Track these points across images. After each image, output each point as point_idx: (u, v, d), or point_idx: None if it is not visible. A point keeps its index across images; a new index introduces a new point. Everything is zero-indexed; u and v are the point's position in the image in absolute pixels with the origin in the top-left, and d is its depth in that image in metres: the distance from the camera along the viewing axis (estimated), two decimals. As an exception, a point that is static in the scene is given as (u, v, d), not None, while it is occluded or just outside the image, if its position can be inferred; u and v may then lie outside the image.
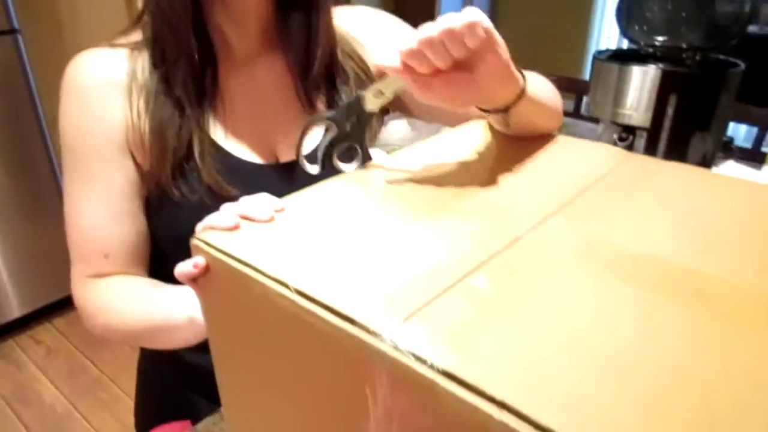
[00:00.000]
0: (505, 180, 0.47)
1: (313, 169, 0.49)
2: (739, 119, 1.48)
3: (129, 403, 0.96)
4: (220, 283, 0.39)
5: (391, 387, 0.29)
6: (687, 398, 0.25)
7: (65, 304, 2.03)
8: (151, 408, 0.82)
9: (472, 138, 0.58)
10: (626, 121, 0.98)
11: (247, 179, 0.64)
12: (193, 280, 0.40)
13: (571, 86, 1.79)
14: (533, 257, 0.36)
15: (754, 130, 1.49)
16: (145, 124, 0.61)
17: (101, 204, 0.63)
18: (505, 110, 0.51)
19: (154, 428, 0.78)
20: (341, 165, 0.50)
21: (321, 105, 0.70)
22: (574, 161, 0.51)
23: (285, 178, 0.67)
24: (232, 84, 0.67)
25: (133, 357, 0.85)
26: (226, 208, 0.42)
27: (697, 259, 0.36)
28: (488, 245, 0.37)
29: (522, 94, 0.50)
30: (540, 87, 0.57)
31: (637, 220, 0.41)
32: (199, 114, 0.63)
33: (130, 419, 0.85)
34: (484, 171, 0.49)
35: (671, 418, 0.24)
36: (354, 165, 0.50)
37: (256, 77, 0.68)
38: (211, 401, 0.70)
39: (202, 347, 0.51)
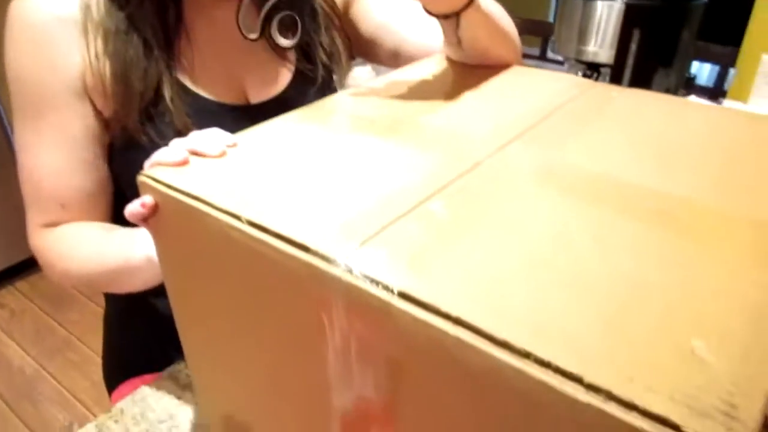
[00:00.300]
0: (465, 109, 0.46)
1: (252, 35, 0.49)
2: (702, 58, 1.48)
3: (99, 362, 0.95)
4: (170, 221, 0.37)
5: (347, 312, 0.28)
6: (647, 311, 0.25)
7: (27, 267, 1.99)
8: (120, 362, 0.81)
9: (431, 71, 0.56)
10: (590, 58, 0.97)
11: (218, 121, 0.61)
12: (144, 220, 0.38)
13: (536, 29, 1.77)
14: (491, 182, 0.35)
15: (717, 70, 1.50)
16: (106, 67, 0.57)
17: (57, 153, 0.59)
18: (455, 16, 0.51)
19: (124, 382, 0.77)
20: (279, 37, 0.49)
21: (282, 39, 0.68)
22: (537, 90, 0.50)
23: (256, 119, 0.65)
24: (197, 24, 0.63)
25: (101, 316, 0.84)
26: (175, 143, 0.40)
27: (658, 179, 0.36)
28: (446, 172, 0.36)
29: (471, 1, 0.50)
30: (494, 6, 0.57)
31: (598, 143, 0.40)
32: (167, 55, 0.60)
33: (101, 377, 0.84)
34: (444, 101, 0.48)
35: (631, 329, 0.24)
36: (291, 41, 0.49)
37: (221, 16, 0.65)
38: (181, 352, 0.69)
39: (165, 295, 0.50)
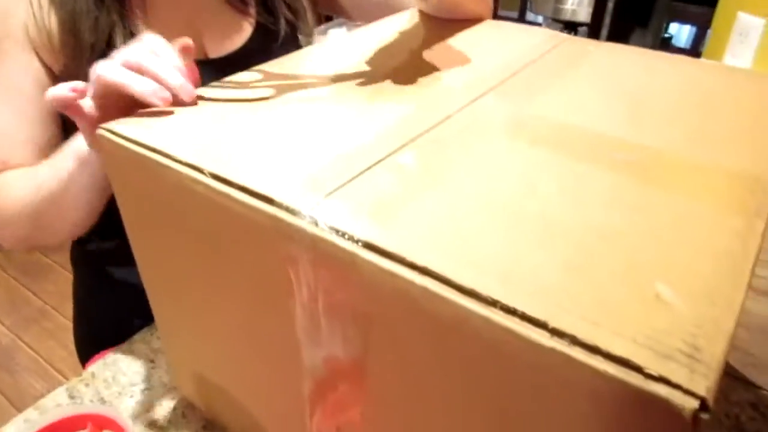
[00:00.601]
0: (438, 63, 0.45)
1: None
2: (680, 19, 1.48)
3: (76, 330, 0.97)
4: (131, 176, 0.36)
5: (313, 265, 0.28)
6: (613, 257, 0.25)
7: (-2, 237, 1.94)
8: (90, 334, 0.80)
9: (403, 26, 0.55)
10: (568, 17, 0.96)
11: None
12: (76, 113, 0.37)
13: (515, -11, 1.74)
14: (462, 133, 0.35)
15: (695, 32, 1.50)
16: (51, 17, 0.54)
17: (2, 106, 0.56)
18: None
19: (98, 354, 0.76)
20: None
21: None
22: (511, 44, 0.49)
23: (216, 74, 0.62)
24: None
25: (76, 285, 0.82)
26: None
27: (630, 131, 0.35)
28: (416, 125, 0.35)
29: None
30: None
31: (571, 96, 0.40)
32: (119, 4, 0.56)
33: (77, 347, 0.83)
34: (416, 56, 0.47)
35: (597, 275, 0.24)
36: None
37: None
38: (152, 322, 0.68)
39: (133, 264, 0.48)
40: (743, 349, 0.58)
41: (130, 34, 0.57)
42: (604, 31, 0.95)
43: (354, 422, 0.32)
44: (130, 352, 0.55)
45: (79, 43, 0.55)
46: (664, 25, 1.12)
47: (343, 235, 0.26)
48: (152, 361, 0.54)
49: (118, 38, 0.56)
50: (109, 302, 0.75)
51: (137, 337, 0.57)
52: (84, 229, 0.57)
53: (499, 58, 0.46)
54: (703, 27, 1.42)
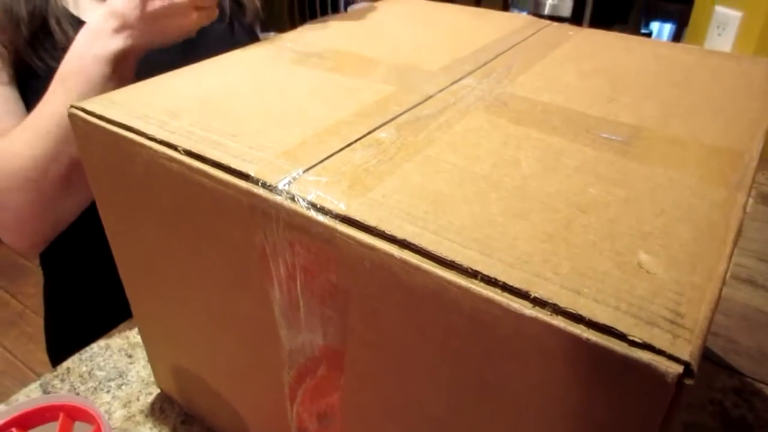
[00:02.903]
0: (420, 47, 0.45)
1: None
2: (659, 17, 1.49)
3: (55, 332, 0.95)
4: (104, 155, 0.35)
5: (290, 242, 0.27)
6: (593, 227, 0.25)
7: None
8: (63, 335, 0.78)
9: (387, 10, 0.54)
10: (549, 11, 0.96)
11: None
12: None
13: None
14: (442, 112, 0.34)
15: (674, 29, 1.52)
16: None
17: None
18: None
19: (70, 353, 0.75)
20: None
21: None
22: (494, 28, 0.49)
23: (158, 55, 0.62)
24: None
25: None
26: None
27: (607, 108, 0.35)
28: (396, 104, 0.35)
29: None
30: None
31: (550, 76, 0.39)
32: None
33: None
34: (398, 39, 0.46)
35: (577, 245, 0.23)
36: None
37: None
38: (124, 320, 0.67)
39: (102, 261, 0.47)
40: (726, 336, 0.58)
41: (65, 13, 0.58)
42: (585, 26, 0.95)
43: (334, 406, 0.32)
44: (108, 347, 0.54)
45: (15, 18, 0.56)
46: (643, 20, 1.13)
47: (321, 209, 0.25)
48: (130, 356, 0.53)
49: (50, 15, 0.58)
50: (80, 302, 0.74)
51: (114, 331, 0.56)
52: (64, 216, 0.56)
53: (481, 41, 0.46)
54: (681, 23, 1.43)
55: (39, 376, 0.49)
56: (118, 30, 0.50)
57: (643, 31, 1.17)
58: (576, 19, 0.94)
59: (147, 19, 0.49)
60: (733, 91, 0.38)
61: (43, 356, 1.56)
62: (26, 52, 0.57)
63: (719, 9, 0.97)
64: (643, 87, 0.38)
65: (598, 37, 0.47)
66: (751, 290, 0.64)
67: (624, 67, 0.41)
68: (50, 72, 0.57)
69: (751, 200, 0.28)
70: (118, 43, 0.50)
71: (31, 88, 0.59)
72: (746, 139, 0.32)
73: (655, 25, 1.71)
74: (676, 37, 1.46)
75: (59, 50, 0.58)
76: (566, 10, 0.94)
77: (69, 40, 0.57)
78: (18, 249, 0.57)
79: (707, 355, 0.55)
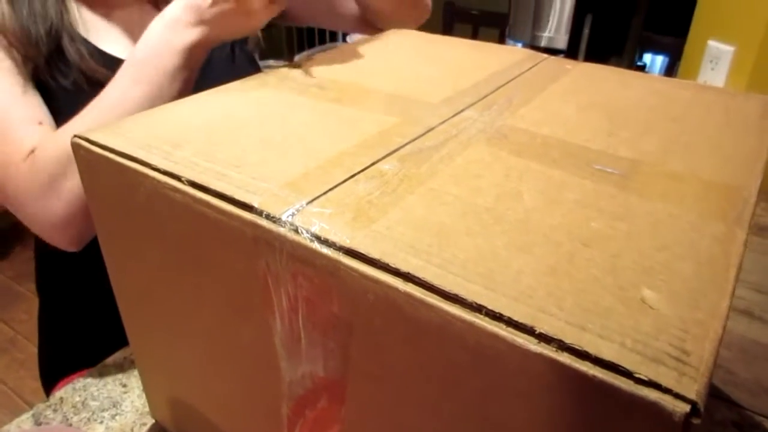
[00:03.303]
0: (421, 79, 0.45)
1: None
2: (653, 49, 1.52)
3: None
4: (107, 185, 0.35)
5: (293, 274, 0.27)
6: (596, 260, 0.25)
7: (-31, 265, 1.89)
8: (57, 358, 0.77)
9: (389, 42, 0.55)
10: (545, 44, 0.98)
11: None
12: None
13: (493, 21, 1.78)
14: (444, 144, 0.34)
15: (668, 62, 1.54)
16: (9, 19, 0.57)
17: (3, 81, 0.57)
18: None
19: (63, 379, 0.74)
20: None
21: None
22: (493, 61, 0.50)
23: None
24: None
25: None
26: None
27: (606, 141, 0.36)
28: (399, 136, 0.35)
29: None
30: None
31: (550, 110, 0.40)
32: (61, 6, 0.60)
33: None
34: (400, 71, 0.47)
35: (581, 280, 0.23)
36: None
37: None
38: (119, 344, 0.66)
39: (98, 288, 0.47)
40: (725, 368, 0.58)
41: (78, 36, 0.61)
42: (580, 58, 0.97)
43: (334, 440, 0.31)
44: (102, 376, 0.53)
45: (33, 37, 0.57)
46: (637, 53, 1.16)
47: (324, 241, 0.25)
48: (124, 385, 0.52)
49: (65, 38, 0.59)
50: (76, 325, 0.73)
51: (109, 360, 0.55)
52: None
53: (481, 74, 0.46)
54: (675, 56, 1.46)
55: (30, 405, 0.48)
56: (195, 23, 0.52)
57: (637, 63, 1.19)
58: (572, 51, 0.96)
59: (221, 14, 0.51)
60: (728, 127, 0.38)
61: (35, 384, 1.54)
62: (43, 69, 0.59)
63: (712, 43, 0.98)
64: (640, 122, 0.39)
65: (595, 72, 0.48)
66: (748, 322, 0.64)
67: (622, 102, 0.42)
68: (61, 91, 0.58)
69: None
70: (193, 35, 0.52)
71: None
72: (744, 174, 0.33)
73: (648, 57, 1.74)
74: (670, 69, 1.49)
75: (72, 69, 0.60)
76: (562, 42, 0.96)
77: (82, 59, 0.60)
78: (61, 242, 0.55)
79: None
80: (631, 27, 0.97)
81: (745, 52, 0.94)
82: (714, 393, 0.55)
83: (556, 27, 0.97)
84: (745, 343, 0.61)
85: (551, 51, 0.99)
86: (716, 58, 0.98)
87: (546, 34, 0.98)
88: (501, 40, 1.76)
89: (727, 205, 0.29)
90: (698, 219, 0.28)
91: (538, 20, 0.99)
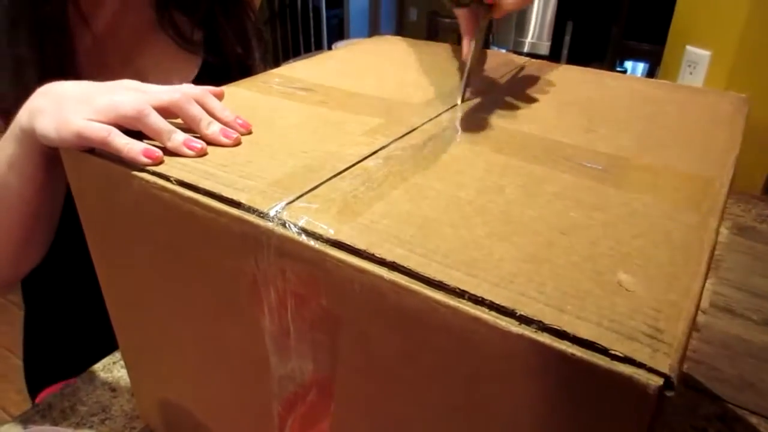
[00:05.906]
0: (406, 82, 0.46)
1: None
2: (634, 56, 1.55)
3: (32, 373, 0.92)
4: (95, 187, 0.35)
5: (281, 268, 0.28)
6: (574, 247, 0.26)
7: (-49, 278, 1.86)
8: (42, 365, 0.76)
9: (373, 49, 0.56)
10: (528, 49, 1.00)
11: None
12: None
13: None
14: (428, 142, 0.35)
15: (647, 68, 1.57)
16: None
17: None
18: None
19: (50, 387, 0.73)
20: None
21: (186, 27, 0.65)
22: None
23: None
24: (96, 12, 0.60)
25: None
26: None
27: (583, 137, 0.37)
28: (383, 136, 0.36)
29: None
30: None
31: (529, 109, 0.41)
32: (61, 55, 0.55)
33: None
34: (385, 75, 0.48)
35: (559, 265, 0.24)
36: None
37: (117, 16, 0.61)
38: (104, 353, 0.66)
39: (83, 296, 0.45)
40: (708, 363, 0.59)
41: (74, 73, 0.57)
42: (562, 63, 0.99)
43: (324, 433, 0.32)
44: (91, 381, 0.53)
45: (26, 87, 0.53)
46: (618, 59, 1.18)
47: (311, 234, 0.26)
48: (113, 390, 0.52)
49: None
50: (61, 332, 0.73)
51: (98, 365, 0.55)
52: (29, 260, 0.52)
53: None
54: (655, 63, 1.49)
55: (12, 417, 0.48)
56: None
57: (618, 69, 1.21)
58: (554, 57, 0.98)
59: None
60: (702, 123, 0.40)
61: (17, 396, 1.52)
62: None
63: (690, 48, 1.01)
64: (618, 119, 0.40)
65: (574, 74, 0.50)
66: (730, 318, 0.65)
67: (600, 101, 0.43)
68: None
69: (727, 231, 0.29)
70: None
71: None
72: (716, 167, 0.34)
73: (629, 64, 1.77)
74: (650, 75, 1.52)
75: None
76: (544, 48, 0.98)
77: None
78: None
79: (691, 383, 0.56)
80: (611, 33, 0.99)
81: (721, 56, 0.96)
82: (698, 388, 0.56)
83: (539, 33, 0.99)
84: (728, 339, 0.62)
85: (534, 57, 1.01)
86: (694, 62, 1.01)
87: (528, 39, 1.00)
88: (485, 46, 1.78)
89: (701, 195, 0.31)
90: (672, 208, 0.29)
91: (520, 26, 1.01)
